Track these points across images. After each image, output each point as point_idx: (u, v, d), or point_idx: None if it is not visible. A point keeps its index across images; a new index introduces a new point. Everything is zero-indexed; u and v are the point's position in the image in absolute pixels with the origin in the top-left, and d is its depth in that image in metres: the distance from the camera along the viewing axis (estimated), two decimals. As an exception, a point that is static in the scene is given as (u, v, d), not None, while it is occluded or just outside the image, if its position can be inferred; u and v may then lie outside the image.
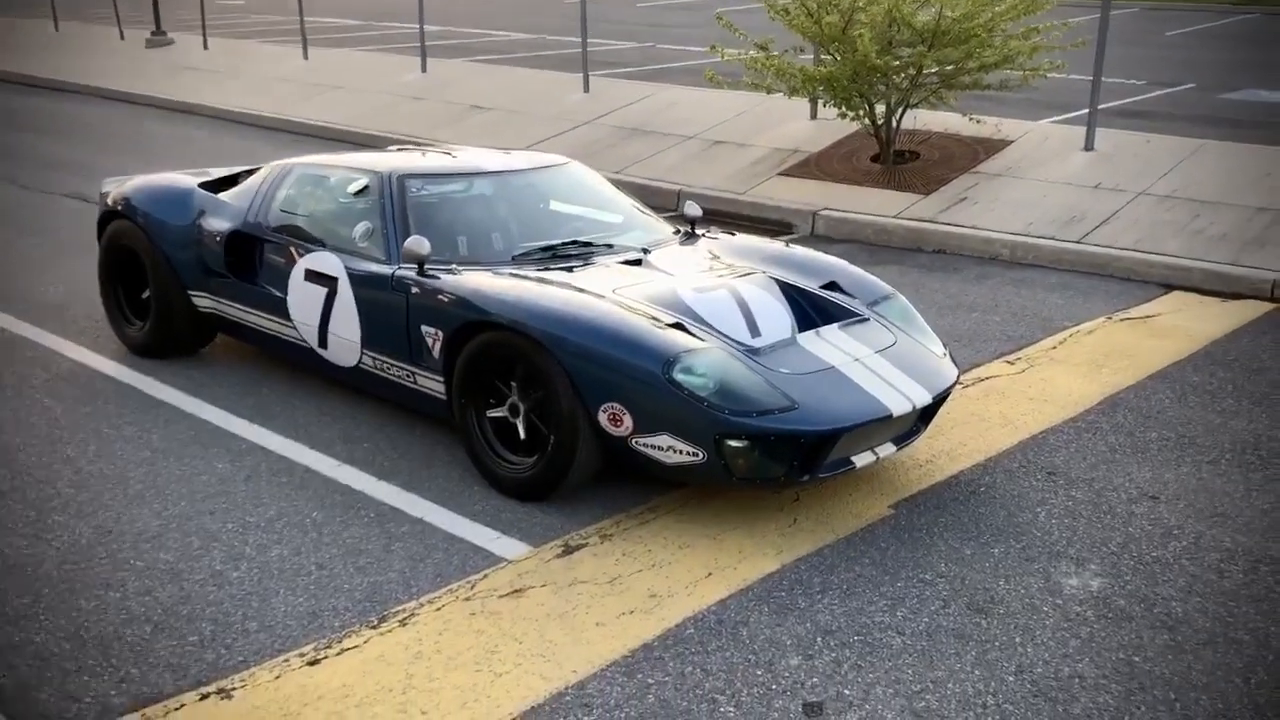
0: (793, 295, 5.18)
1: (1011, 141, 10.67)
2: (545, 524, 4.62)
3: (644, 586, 4.17)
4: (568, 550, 4.42)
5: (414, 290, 5.06)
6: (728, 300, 4.98)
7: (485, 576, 4.23)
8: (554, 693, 3.59)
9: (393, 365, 5.24)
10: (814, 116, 11.63)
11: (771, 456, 4.42)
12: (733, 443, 4.35)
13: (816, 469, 4.50)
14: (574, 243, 5.50)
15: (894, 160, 10.40)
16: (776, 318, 4.96)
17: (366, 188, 5.58)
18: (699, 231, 5.98)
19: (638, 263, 5.40)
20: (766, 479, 4.49)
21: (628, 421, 4.45)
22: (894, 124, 10.33)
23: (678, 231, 5.98)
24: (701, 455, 4.37)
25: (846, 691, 3.62)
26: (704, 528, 4.59)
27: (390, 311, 5.16)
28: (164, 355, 6.32)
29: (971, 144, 10.67)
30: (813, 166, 10.67)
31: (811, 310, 5.14)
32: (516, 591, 4.13)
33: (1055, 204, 9.45)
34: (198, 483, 4.96)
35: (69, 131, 14.10)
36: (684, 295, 4.96)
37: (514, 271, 5.13)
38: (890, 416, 4.57)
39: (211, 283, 6.09)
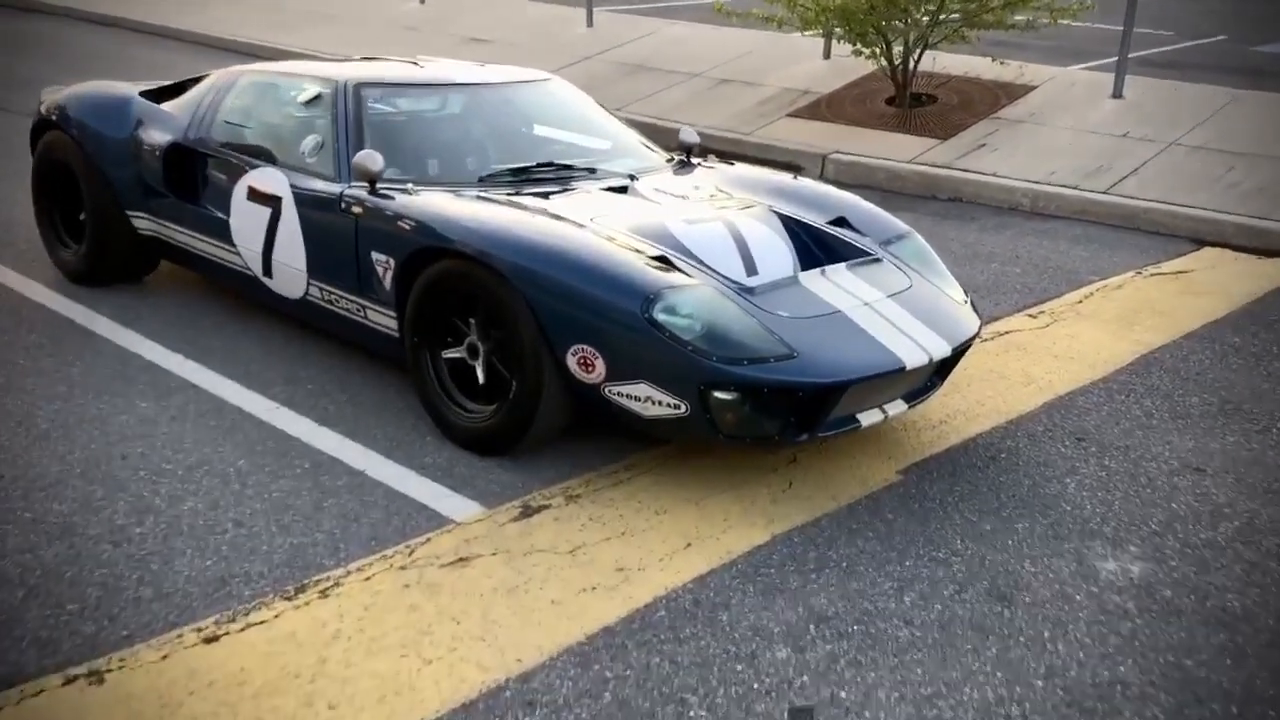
0: (796, 231, 4.50)
1: (1035, 87, 9.93)
2: (503, 482, 3.98)
3: (611, 558, 3.53)
4: (526, 512, 3.78)
5: (363, 211, 4.40)
6: (722, 233, 4.31)
7: (428, 541, 3.60)
8: (491, 686, 2.95)
9: (341, 297, 4.58)
10: (827, 56, 10.88)
11: (764, 411, 3.77)
12: (720, 394, 3.70)
13: (816, 427, 3.85)
14: (550, 165, 4.83)
15: (910, 103, 9.66)
16: (777, 254, 4.29)
17: (319, 97, 4.90)
18: (695, 161, 5.31)
19: (623, 190, 4.73)
20: (758, 437, 3.84)
21: (600, 366, 3.80)
22: (911, 65, 9.59)
23: (671, 159, 5.30)
24: (684, 408, 3.72)
25: (842, 694, 2.98)
26: (685, 491, 3.95)
27: (337, 236, 4.49)
28: (101, 282, 5.66)
29: (992, 88, 9.93)
30: (823, 108, 9.94)
31: (816, 247, 4.47)
32: (461, 560, 3.49)
33: (1080, 152, 8.73)
34: (113, 424, 4.32)
35: (39, 51, 13.37)
36: (672, 226, 4.29)
37: (480, 194, 4.47)
38: (903, 369, 3.90)
39: (151, 203, 5.41)
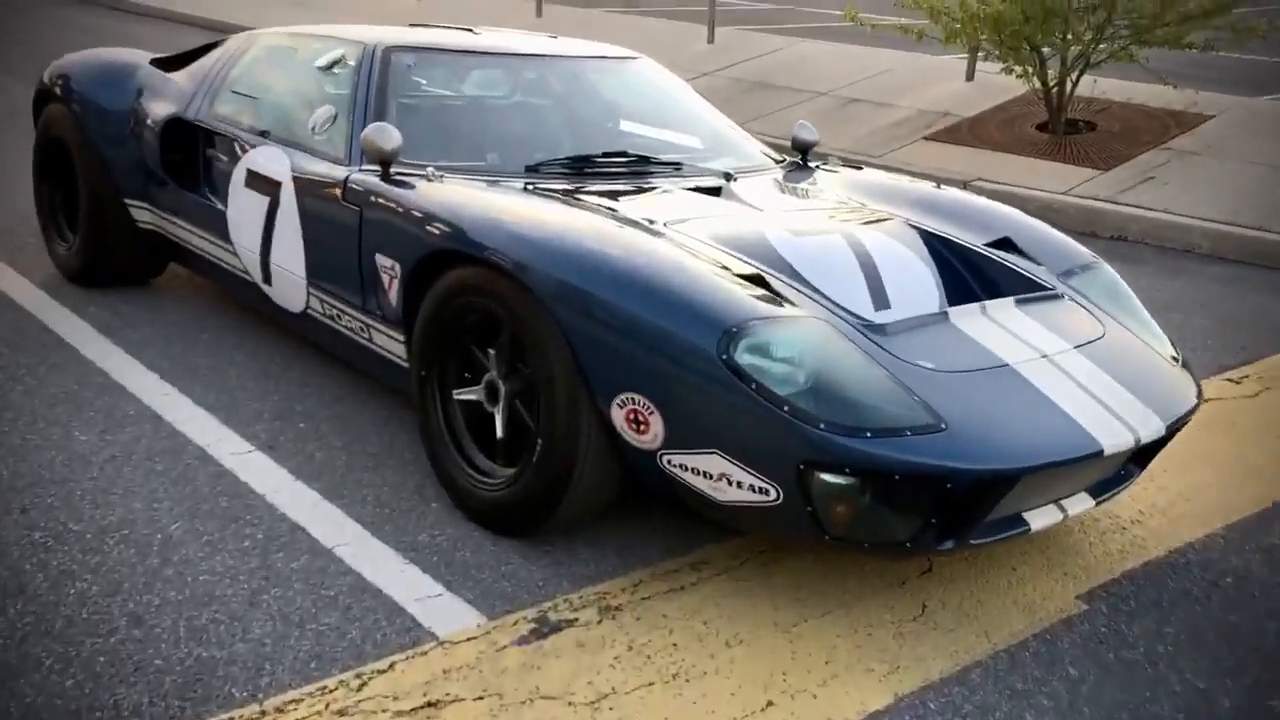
0: (944, 253, 3.22)
1: (1211, 116, 8.44)
2: (518, 578, 2.77)
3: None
4: (540, 630, 2.56)
5: (370, 200, 3.27)
6: (841, 249, 3.07)
7: (389, 668, 2.40)
8: None
9: (343, 313, 3.45)
10: (970, 77, 9.52)
11: (894, 506, 2.51)
12: (829, 477, 2.45)
13: (969, 531, 2.56)
14: (620, 156, 3.64)
15: (1064, 130, 8.28)
16: (918, 282, 3.02)
17: (342, 62, 3.79)
18: (812, 164, 4.08)
19: (715, 192, 3.52)
20: (883, 542, 2.57)
21: (656, 427, 2.59)
22: (1068, 86, 8.22)
23: (781, 160, 4.08)
24: (775, 493, 2.48)
25: None
26: (774, 610, 2.69)
27: (339, 231, 3.35)
28: (98, 284, 4.62)
29: (1160, 116, 8.48)
30: (965, 132, 8.59)
31: (972, 276, 3.19)
32: (428, 706, 2.30)
33: (1270, 190, 7.26)
34: (31, 462, 3.22)
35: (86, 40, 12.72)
36: (774, 237, 3.06)
37: (525, 186, 3.31)
38: (1100, 454, 2.61)
39: (151, 190, 4.36)
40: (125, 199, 4.40)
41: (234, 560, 2.79)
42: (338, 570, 2.77)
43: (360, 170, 3.37)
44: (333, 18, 14.39)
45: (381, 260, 3.19)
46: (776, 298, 2.70)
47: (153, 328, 4.27)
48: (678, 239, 2.93)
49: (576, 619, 2.61)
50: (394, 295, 3.17)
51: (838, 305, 2.81)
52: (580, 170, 3.50)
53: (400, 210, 3.14)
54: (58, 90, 4.58)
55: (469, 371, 3.06)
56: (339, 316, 3.46)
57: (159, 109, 4.28)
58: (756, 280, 2.77)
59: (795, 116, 9.28)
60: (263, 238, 3.69)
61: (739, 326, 2.51)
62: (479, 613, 2.62)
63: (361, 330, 3.38)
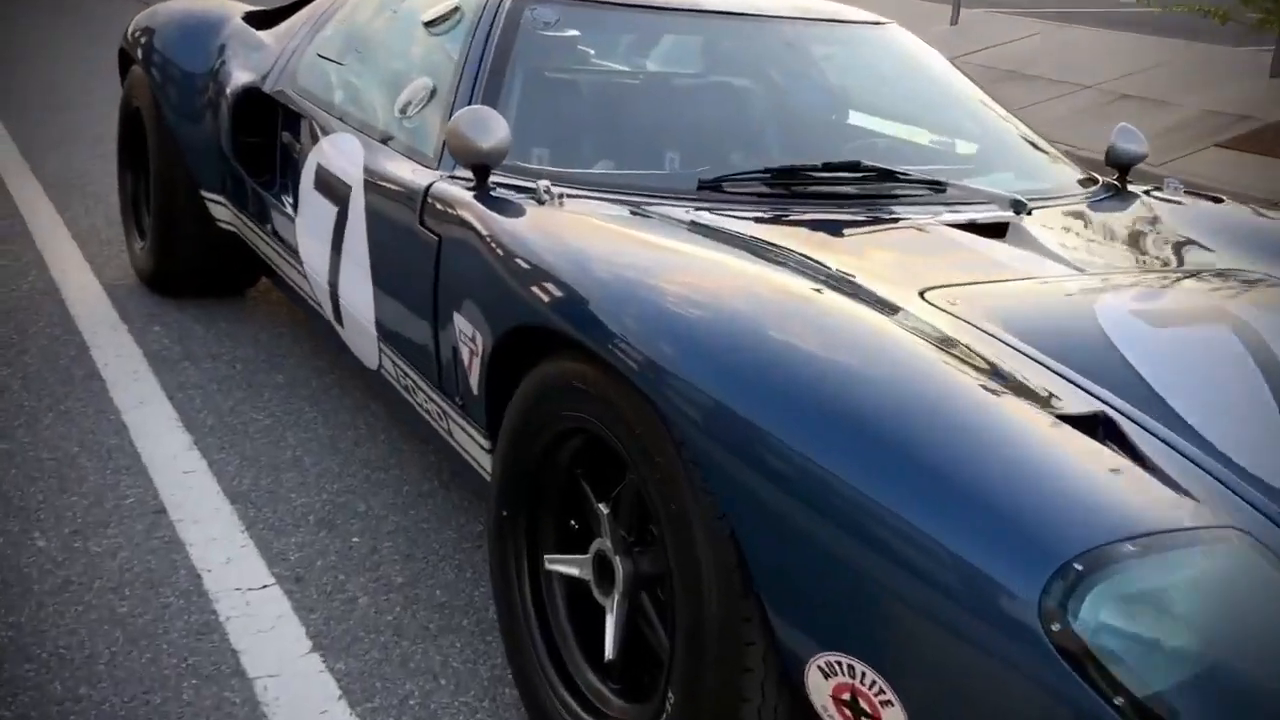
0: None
1: None
2: None
3: None
4: None
5: (453, 226, 2.06)
6: (1235, 357, 1.67)
7: None
8: None
9: (416, 386, 2.26)
10: (1276, 73, 7.72)
11: None
12: None
13: None
14: (847, 169, 2.29)
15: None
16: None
17: (456, 16, 2.59)
18: (1135, 188, 2.66)
19: (999, 231, 2.17)
20: None
21: (895, 716, 1.31)
22: None
23: (1093, 180, 2.68)
24: None
25: None
26: None
27: (412, 269, 2.14)
28: (176, 292, 3.59)
29: None
30: (1273, 140, 6.86)
31: None
32: None
33: None
34: (-53, 585, 2.19)
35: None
36: (1112, 325, 1.70)
37: (694, 217, 2.04)
38: None
39: (227, 181, 3.29)
40: (203, 190, 3.34)
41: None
42: None
43: (448, 179, 2.17)
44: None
45: (461, 323, 1.98)
46: (1156, 481, 1.35)
47: (216, 363, 3.20)
48: (942, 328, 1.61)
49: None
50: (475, 378, 1.96)
51: (1254, 481, 1.44)
52: (785, 190, 2.19)
53: (490, 247, 1.90)
54: (139, 50, 3.55)
55: (574, 518, 1.83)
56: (413, 390, 2.28)
57: (238, 76, 3.17)
58: (1098, 425, 1.44)
59: (1054, 113, 7.70)
60: (330, 263, 2.54)
61: (1089, 561, 1.19)
62: None
63: (439, 416, 2.19)
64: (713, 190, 2.15)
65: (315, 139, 2.70)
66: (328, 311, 2.67)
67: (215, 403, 2.95)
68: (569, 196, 2.00)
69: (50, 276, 3.76)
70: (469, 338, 1.96)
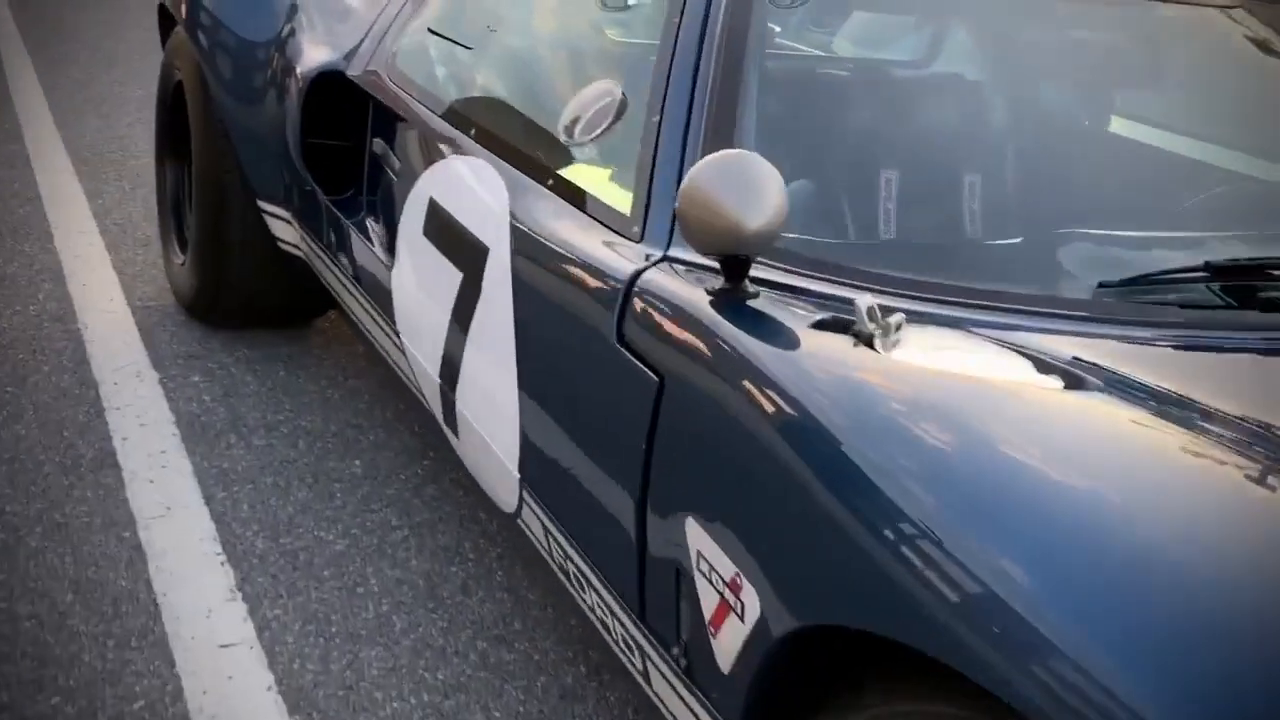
0: None
1: None
2: None
3: None
4: None
5: (688, 361, 1.16)
6: None
7: None
8: None
9: (588, 584, 1.38)
10: None
11: None
12: None
13: None
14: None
15: None
16: None
17: (650, -14, 1.69)
18: None
19: None
20: None
21: None
22: None
23: None
24: None
25: None
26: None
27: (599, 410, 1.27)
28: (222, 321, 2.71)
29: None
30: None
31: None
32: None
33: None
34: None
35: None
36: None
37: (1108, 355, 1.14)
38: None
39: (293, 191, 2.42)
40: (260, 200, 2.48)
41: None
42: None
43: (666, 263, 1.29)
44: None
45: (701, 541, 1.10)
46: None
47: (271, 437, 2.32)
48: None
49: None
50: (727, 647, 1.09)
51: None
52: (1238, 298, 1.29)
53: (773, 425, 1.02)
54: (182, 7, 2.68)
55: None
56: (582, 585, 1.41)
57: (311, 52, 2.28)
58: None
59: None
60: (445, 347, 1.67)
61: None
62: None
63: (628, 648, 1.32)
64: (1122, 300, 1.24)
65: (427, 157, 1.81)
66: (434, 408, 1.79)
67: (269, 511, 2.09)
68: (906, 326, 1.11)
69: (67, 292, 2.90)
70: (718, 574, 1.08)
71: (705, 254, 1.16)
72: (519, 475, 1.50)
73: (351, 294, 2.12)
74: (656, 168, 1.37)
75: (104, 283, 2.99)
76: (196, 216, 2.57)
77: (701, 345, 1.14)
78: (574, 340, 1.33)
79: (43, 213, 3.42)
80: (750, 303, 1.15)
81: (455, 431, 1.73)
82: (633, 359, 1.21)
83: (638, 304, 1.23)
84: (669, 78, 1.45)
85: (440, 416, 1.79)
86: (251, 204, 2.48)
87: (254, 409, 2.44)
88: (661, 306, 1.21)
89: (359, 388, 2.58)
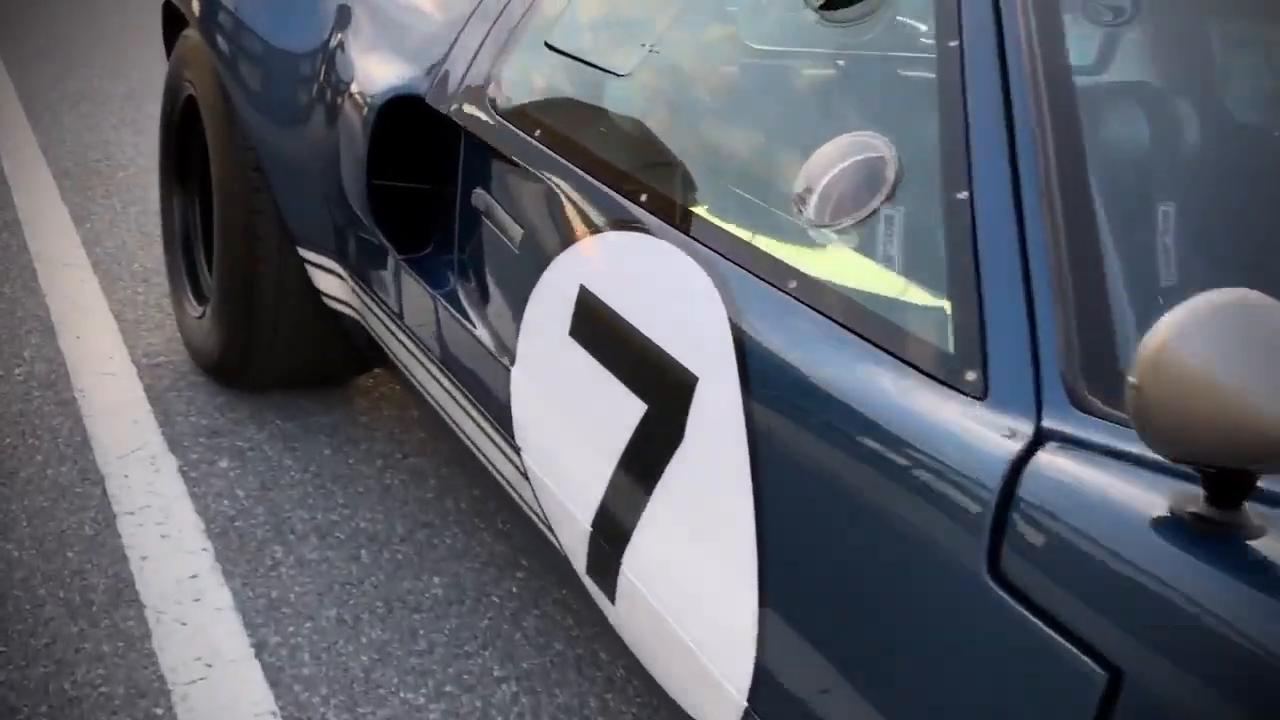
0: None
1: None
2: None
3: None
4: None
5: (1140, 637, 0.71)
6: None
7: None
8: None
9: None
10: None
11: None
12: None
13: None
14: None
15: None
16: None
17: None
18: None
19: None
20: None
21: None
22: None
23: None
24: None
25: None
26: None
27: (963, 680, 0.83)
28: (252, 385, 2.26)
29: None
30: None
31: None
32: None
33: None
34: None
35: None
36: None
37: None
38: None
39: (347, 241, 1.93)
40: (302, 248, 1.99)
41: None
42: None
43: (1061, 442, 0.80)
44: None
45: None
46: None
47: (326, 550, 1.84)
48: None
49: None
50: None
51: None
52: None
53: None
54: (195, 3, 2.17)
55: None
56: None
57: (373, 70, 1.78)
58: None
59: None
60: (609, 492, 1.20)
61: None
62: None
63: None
64: None
65: (568, 226, 1.32)
66: (570, 550, 1.33)
67: (338, 663, 1.62)
68: None
69: (59, 348, 2.40)
70: None
71: (1184, 461, 0.70)
72: (746, 704, 1.04)
73: (435, 380, 1.64)
74: (984, 275, 0.90)
75: (101, 332, 2.49)
76: (219, 264, 2.07)
77: (1183, 611, 0.68)
78: (889, 559, 0.87)
79: (23, 241, 2.91)
80: (1253, 543, 0.70)
81: (612, 598, 1.26)
82: (1038, 623, 0.74)
83: (1024, 518, 0.77)
84: (967, 128, 0.98)
85: (582, 565, 1.32)
86: (290, 250, 1.99)
87: (300, 506, 1.96)
88: (1080, 530, 0.74)
89: (421, 468, 2.10)
